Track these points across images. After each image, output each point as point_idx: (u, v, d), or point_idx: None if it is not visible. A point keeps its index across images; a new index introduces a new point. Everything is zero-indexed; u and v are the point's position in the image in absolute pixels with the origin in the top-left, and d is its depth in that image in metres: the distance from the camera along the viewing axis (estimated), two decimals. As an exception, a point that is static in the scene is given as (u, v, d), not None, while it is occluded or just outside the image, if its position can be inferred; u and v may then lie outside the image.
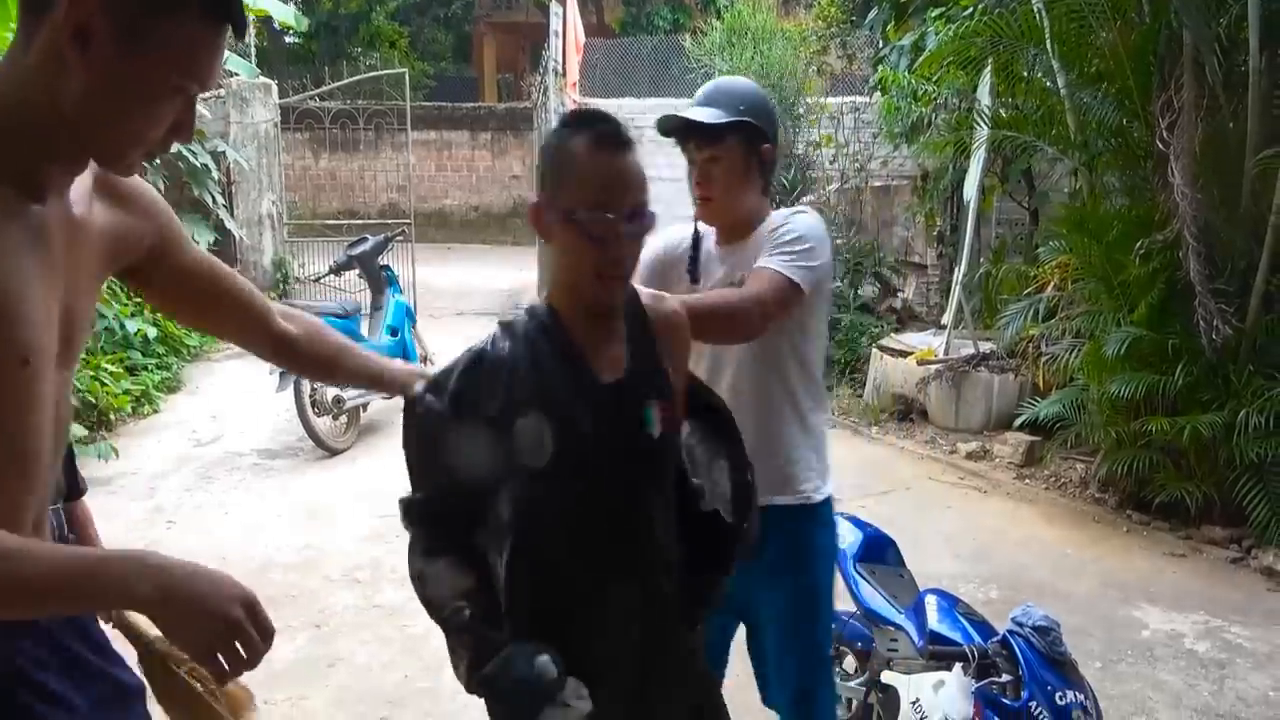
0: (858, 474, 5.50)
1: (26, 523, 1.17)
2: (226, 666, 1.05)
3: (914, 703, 2.43)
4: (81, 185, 1.20)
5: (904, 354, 6.45)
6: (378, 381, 1.76)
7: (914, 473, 5.53)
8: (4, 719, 1.17)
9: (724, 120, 1.97)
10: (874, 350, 6.71)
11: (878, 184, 8.41)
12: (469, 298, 11.52)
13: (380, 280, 6.62)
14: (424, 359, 6.84)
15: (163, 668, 2.50)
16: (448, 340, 9.23)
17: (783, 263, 1.90)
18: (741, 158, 2.01)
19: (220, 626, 1.02)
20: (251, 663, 1.04)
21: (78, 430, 5.41)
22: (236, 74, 9.34)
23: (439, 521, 1.49)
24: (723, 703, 1.73)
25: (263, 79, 9.68)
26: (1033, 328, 5.26)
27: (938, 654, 2.33)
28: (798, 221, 1.98)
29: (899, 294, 8.11)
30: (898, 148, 6.92)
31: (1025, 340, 5.55)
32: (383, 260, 6.68)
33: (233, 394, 6.98)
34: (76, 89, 1.05)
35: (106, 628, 2.36)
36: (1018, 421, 5.41)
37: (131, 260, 1.33)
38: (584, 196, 1.37)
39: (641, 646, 1.56)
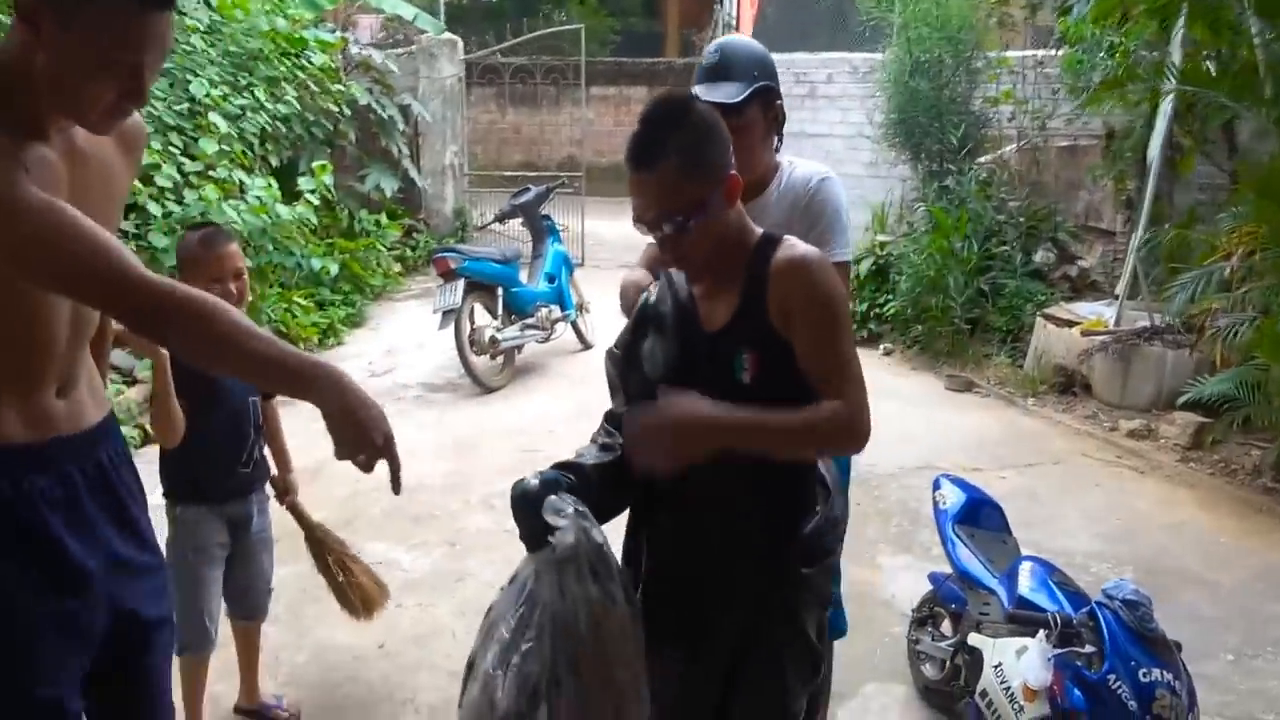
0: (1004, 445, 5.32)
1: (50, 387, 1.50)
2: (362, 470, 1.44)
3: (996, 666, 2.40)
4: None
5: (1071, 324, 6.11)
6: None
7: (1066, 448, 5.27)
8: (15, 540, 1.46)
9: (746, 93, 2.06)
10: (1038, 319, 6.38)
11: (1063, 144, 7.88)
12: (635, 250, 11.68)
13: (541, 229, 6.91)
14: (580, 306, 7.12)
15: (319, 547, 2.94)
16: (608, 290, 9.53)
17: (843, 247, 2.15)
18: (762, 123, 2.13)
19: (366, 444, 1.42)
20: (368, 469, 1.45)
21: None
22: (425, 31, 9.87)
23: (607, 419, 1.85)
24: (794, 653, 1.75)
25: (448, 35, 10.16)
26: (1210, 300, 4.86)
27: (1020, 619, 2.31)
28: (832, 193, 2.17)
29: (1077, 261, 7.62)
30: (1085, 106, 6.47)
31: (1204, 313, 5.13)
32: (544, 210, 6.96)
33: (408, 332, 7.52)
34: (39, 61, 1.33)
35: (275, 509, 2.77)
36: (1181, 400, 5.03)
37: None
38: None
39: (714, 563, 1.73)
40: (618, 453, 1.75)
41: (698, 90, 2.06)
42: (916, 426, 5.57)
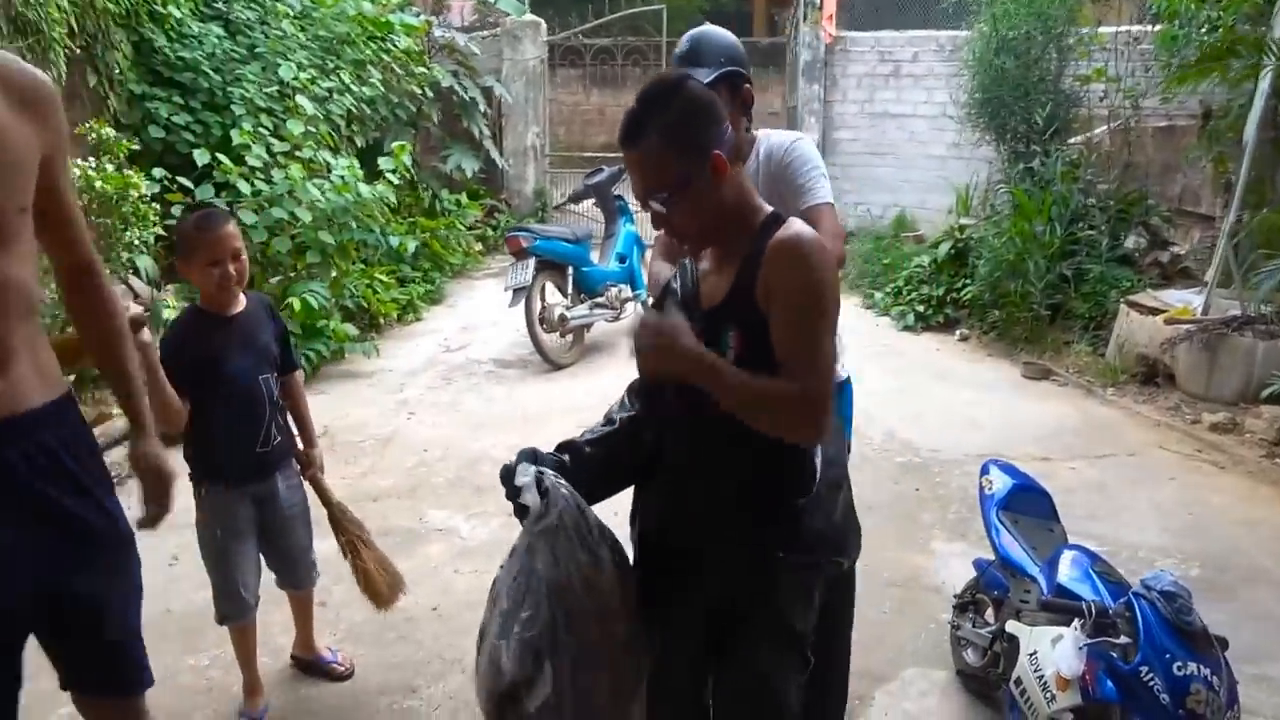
0: (1078, 435, 5.17)
1: None
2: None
3: (1031, 654, 2.38)
4: None
5: (1156, 312, 5.87)
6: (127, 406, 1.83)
7: (1143, 439, 5.09)
8: None
9: (712, 77, 2.20)
10: (1122, 306, 6.16)
11: (1159, 124, 7.55)
12: (714, 232, 11.73)
13: (613, 209, 6.98)
14: (651, 287, 7.15)
15: (336, 526, 3.00)
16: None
17: (826, 190, 2.29)
18: (730, 103, 2.24)
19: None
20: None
21: (350, 329, 6.26)
22: (508, 14, 10.01)
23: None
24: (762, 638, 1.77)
25: (531, 17, 10.29)
26: (1303, 289, 4.62)
27: (1054, 607, 2.27)
28: (807, 150, 2.35)
29: (1170, 247, 7.30)
30: (1173, 84, 6.17)
31: (1299, 303, 4.88)
32: (617, 190, 7.02)
33: (484, 309, 7.71)
34: None
35: (298, 484, 2.83)
36: (1268, 391, 4.80)
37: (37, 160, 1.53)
38: None
39: (692, 536, 1.76)
40: (616, 425, 1.81)
41: None
42: (987, 414, 5.47)
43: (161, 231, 5.52)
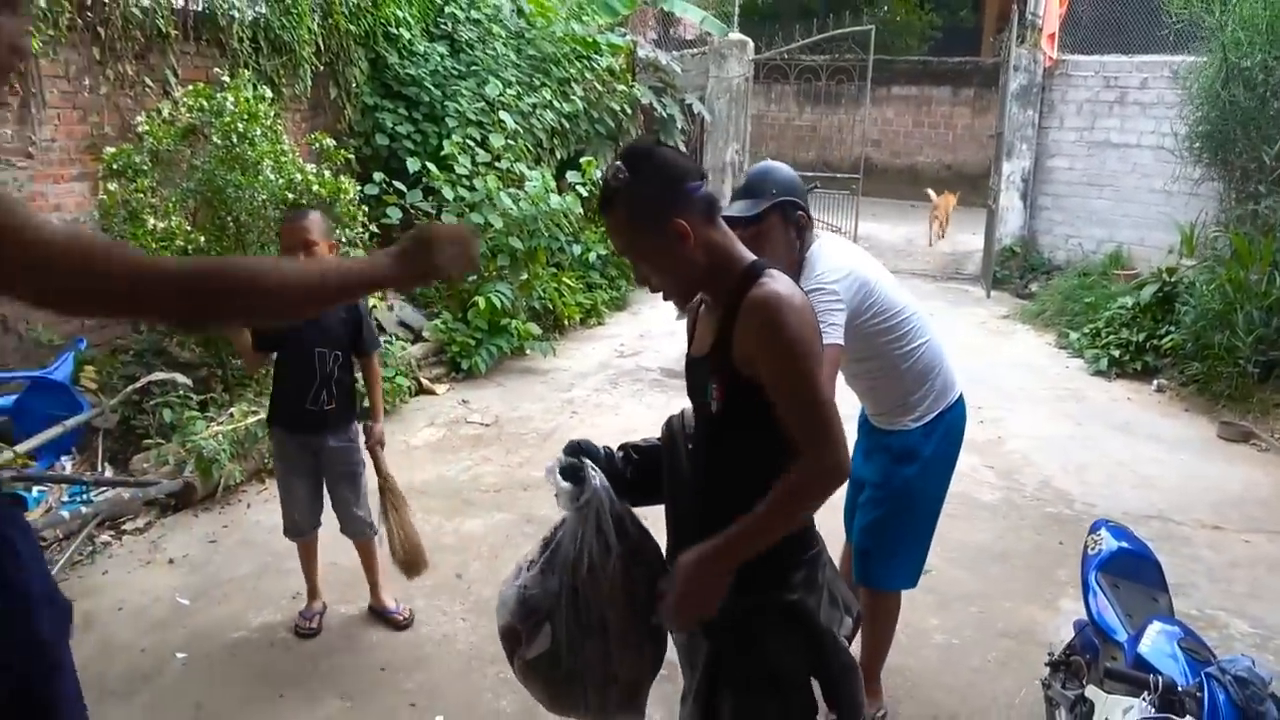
0: (1264, 506, 4.75)
1: None
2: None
3: (1103, 722, 2.32)
4: None
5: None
6: None
7: (1348, 519, 4.59)
8: None
9: (761, 208, 2.51)
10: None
11: None
12: (912, 258, 11.48)
13: (791, 230, 7.05)
14: (824, 309, 7.18)
15: (383, 498, 3.38)
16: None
17: (831, 335, 2.38)
18: (781, 228, 2.53)
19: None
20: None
21: (533, 329, 6.73)
22: (711, 34, 10.29)
23: None
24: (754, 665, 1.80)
25: (738, 36, 10.50)
26: None
27: (1119, 675, 2.21)
28: (816, 298, 2.42)
29: None
30: None
31: None
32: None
33: (664, 319, 8.00)
34: None
35: (352, 449, 3.22)
36: None
37: None
38: None
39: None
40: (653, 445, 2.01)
41: (730, 207, 2.50)
42: (1163, 473, 5.11)
43: (376, 230, 6.21)
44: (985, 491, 4.80)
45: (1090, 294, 8.06)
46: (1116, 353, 6.96)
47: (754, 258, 1.78)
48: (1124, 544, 2.78)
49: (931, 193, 12.56)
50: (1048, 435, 5.64)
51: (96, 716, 2.94)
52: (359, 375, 3.39)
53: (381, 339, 5.87)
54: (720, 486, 1.80)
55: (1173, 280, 7.00)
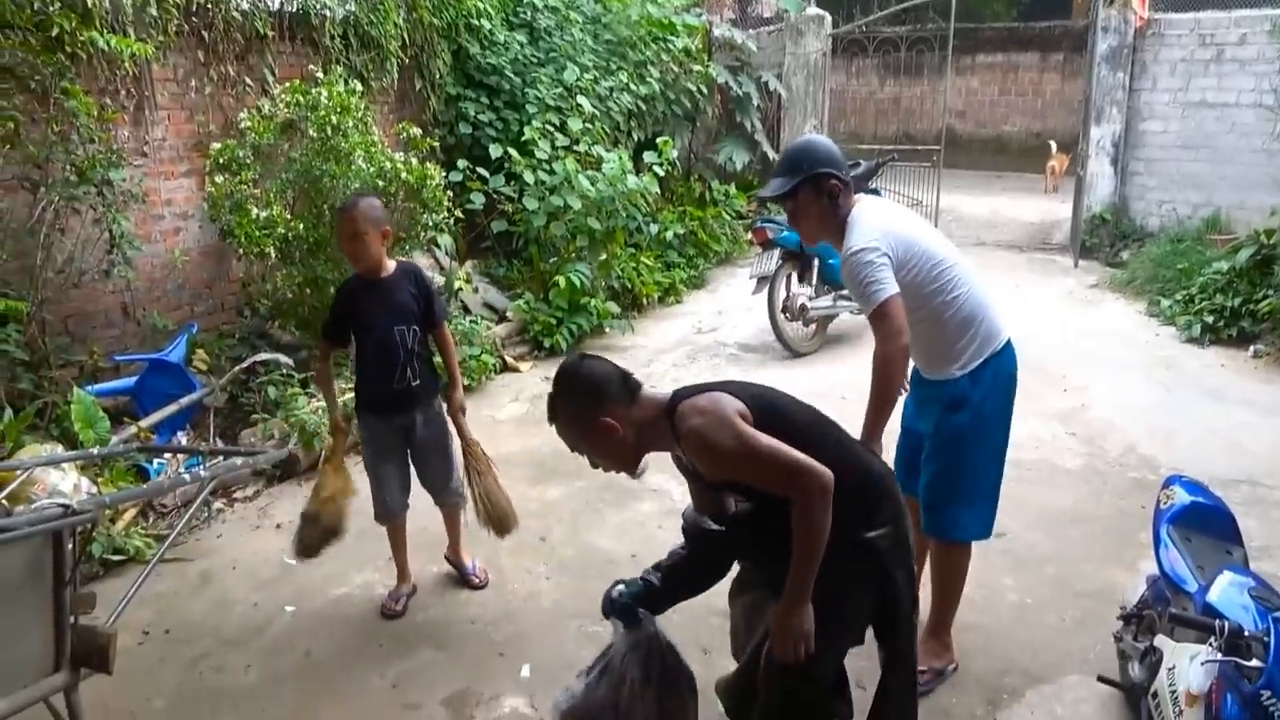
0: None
1: None
2: None
3: (1170, 669, 2.36)
4: None
5: None
6: None
7: None
8: None
9: (791, 185, 2.71)
10: None
11: None
12: (996, 229, 11.24)
13: (869, 203, 7.04)
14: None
15: (468, 462, 3.48)
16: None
17: (877, 295, 2.60)
18: (815, 200, 2.72)
19: None
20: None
21: (613, 307, 6.89)
22: (789, 11, 10.24)
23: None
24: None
25: (815, 11, 10.43)
26: None
27: (1184, 621, 2.25)
28: (848, 261, 2.68)
29: None
30: None
31: None
32: (873, 185, 7.07)
33: (740, 296, 8.04)
34: None
35: (439, 422, 3.36)
36: None
37: None
38: None
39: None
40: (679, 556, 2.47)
41: (766, 186, 2.83)
42: (1258, 438, 4.98)
43: (461, 215, 6.45)
44: (1067, 458, 4.76)
45: (1184, 260, 7.80)
46: (1210, 319, 6.74)
47: (666, 399, 2.20)
48: (1197, 498, 2.78)
49: (1053, 144, 13.72)
50: (1134, 402, 5.53)
51: (215, 661, 3.25)
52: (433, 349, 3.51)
53: (467, 319, 6.14)
54: (768, 527, 2.15)
55: (1272, 242, 6.73)
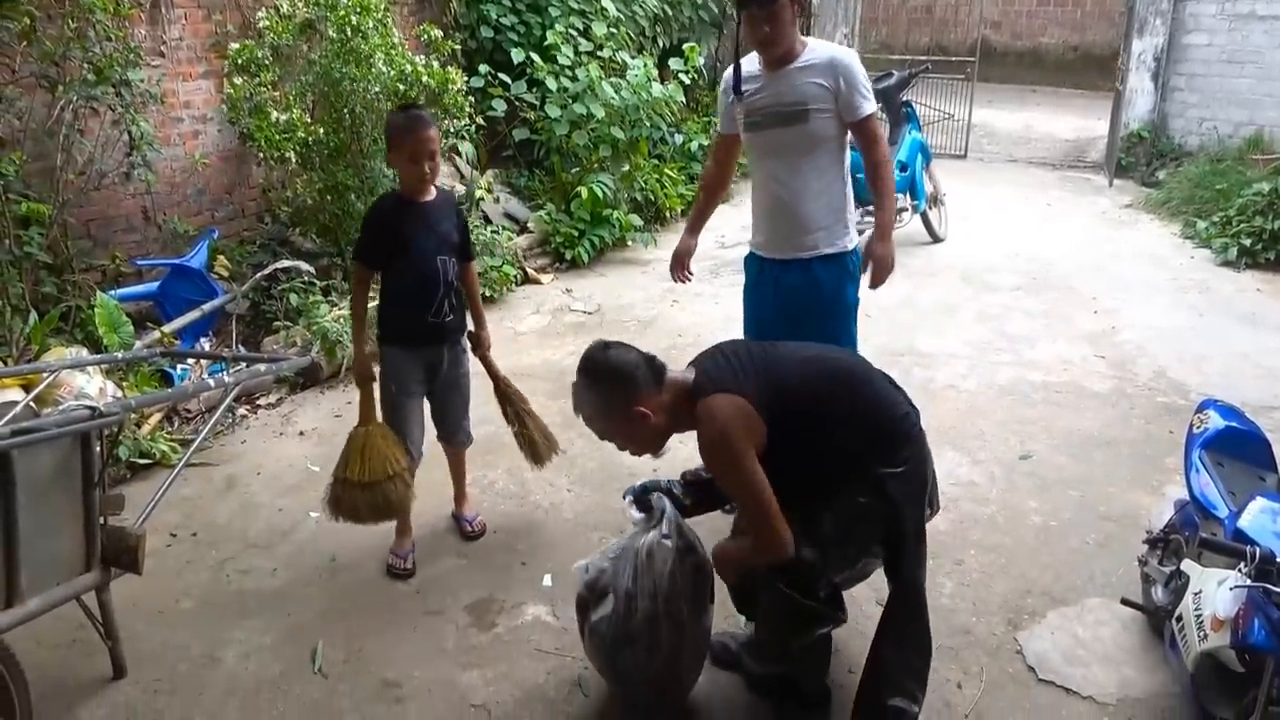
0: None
1: None
2: None
3: (1196, 594, 2.34)
4: None
5: None
6: None
7: None
8: None
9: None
10: None
11: None
12: (1027, 144, 10.94)
13: (900, 115, 6.83)
14: (933, 198, 7.00)
15: (504, 399, 3.46)
16: (988, 182, 9.06)
17: (870, 106, 2.96)
18: (789, 10, 2.85)
19: None
20: None
21: (635, 220, 6.78)
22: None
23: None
24: None
25: (851, -88, 9.97)
26: None
27: (1213, 545, 2.23)
28: (852, 60, 2.94)
29: None
30: None
31: None
32: (905, 96, 6.84)
33: (765, 210, 7.91)
34: None
35: (463, 359, 3.28)
36: None
37: None
38: None
39: None
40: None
41: None
42: (1303, 365, 4.89)
43: (482, 122, 6.30)
44: (1095, 381, 4.70)
45: (1223, 180, 7.57)
46: (1248, 241, 6.57)
47: (690, 383, 2.23)
48: (1232, 423, 2.73)
49: None
50: (1166, 326, 5.43)
51: (242, 564, 3.30)
52: None
53: (488, 229, 6.05)
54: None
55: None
